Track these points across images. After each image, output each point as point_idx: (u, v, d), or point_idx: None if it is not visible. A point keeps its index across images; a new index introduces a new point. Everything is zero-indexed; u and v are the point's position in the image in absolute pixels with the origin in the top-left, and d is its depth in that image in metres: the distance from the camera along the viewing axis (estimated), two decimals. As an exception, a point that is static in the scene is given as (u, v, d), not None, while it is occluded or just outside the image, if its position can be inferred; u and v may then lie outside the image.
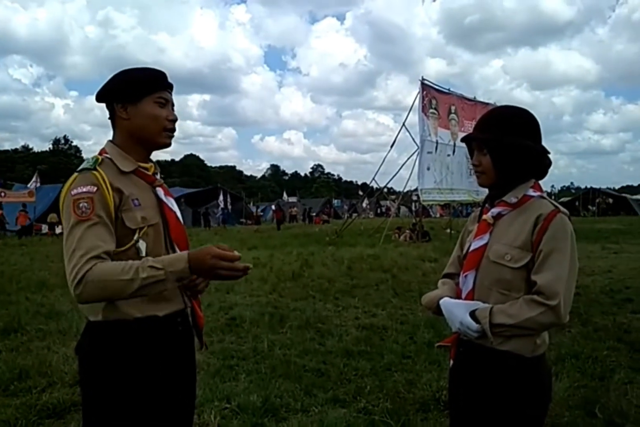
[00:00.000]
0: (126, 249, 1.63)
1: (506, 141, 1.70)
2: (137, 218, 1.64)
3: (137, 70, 1.77)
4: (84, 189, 1.57)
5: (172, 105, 1.80)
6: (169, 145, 1.80)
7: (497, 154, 1.73)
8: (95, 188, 1.58)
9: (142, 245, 1.65)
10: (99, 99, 1.78)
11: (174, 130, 1.79)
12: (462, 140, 1.85)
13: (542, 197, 1.74)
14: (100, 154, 1.73)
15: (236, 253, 1.56)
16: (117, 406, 1.61)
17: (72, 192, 1.58)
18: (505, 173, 1.74)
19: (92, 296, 1.50)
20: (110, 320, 1.63)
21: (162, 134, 1.75)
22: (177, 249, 1.76)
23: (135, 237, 1.64)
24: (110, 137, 1.80)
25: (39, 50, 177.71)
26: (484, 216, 1.79)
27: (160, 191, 1.78)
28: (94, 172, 1.61)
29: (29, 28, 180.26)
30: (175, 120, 1.79)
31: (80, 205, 1.55)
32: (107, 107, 1.77)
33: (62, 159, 66.84)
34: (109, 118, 1.78)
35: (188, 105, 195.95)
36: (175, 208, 1.82)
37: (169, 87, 1.80)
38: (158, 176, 1.83)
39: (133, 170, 1.73)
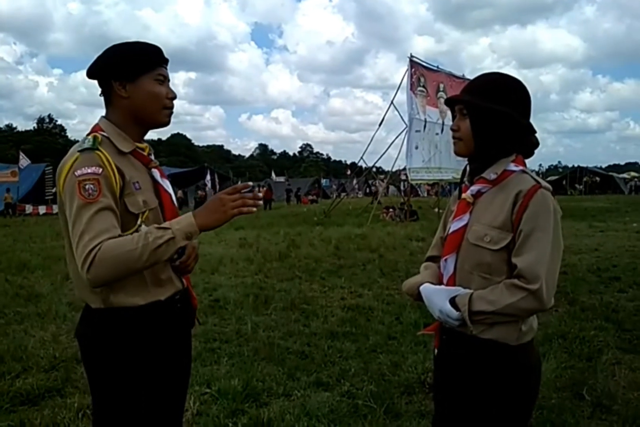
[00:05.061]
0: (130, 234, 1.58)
1: (486, 105, 1.58)
2: (139, 202, 1.60)
3: (133, 45, 1.68)
4: (89, 170, 1.50)
5: (169, 81, 1.74)
6: (167, 123, 1.74)
7: (476, 118, 1.60)
8: (101, 169, 1.52)
9: (144, 229, 1.58)
10: (93, 75, 1.68)
11: (173, 108, 1.73)
12: (446, 102, 1.73)
13: (524, 171, 1.61)
14: (94, 131, 1.64)
15: (249, 183, 1.61)
16: (125, 385, 1.63)
17: (77, 173, 1.50)
18: (483, 142, 1.61)
19: (105, 276, 1.45)
20: (113, 307, 1.61)
21: (162, 113, 1.70)
22: None
23: (139, 221, 1.60)
24: (96, 115, 1.72)
25: (22, 27, 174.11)
26: (463, 195, 1.67)
27: (156, 173, 1.73)
28: (98, 152, 1.54)
29: (11, 4, 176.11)
30: (175, 97, 1.72)
31: (87, 187, 1.49)
32: (100, 83, 1.68)
33: (46, 138, 65.86)
34: (101, 95, 1.69)
35: (174, 84, 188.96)
36: (170, 190, 1.78)
37: (166, 62, 1.73)
38: (152, 157, 1.77)
39: (131, 151, 1.66)
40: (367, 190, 46.12)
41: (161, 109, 1.68)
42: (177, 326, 1.77)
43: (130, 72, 1.63)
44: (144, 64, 1.65)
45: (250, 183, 1.63)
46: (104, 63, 1.66)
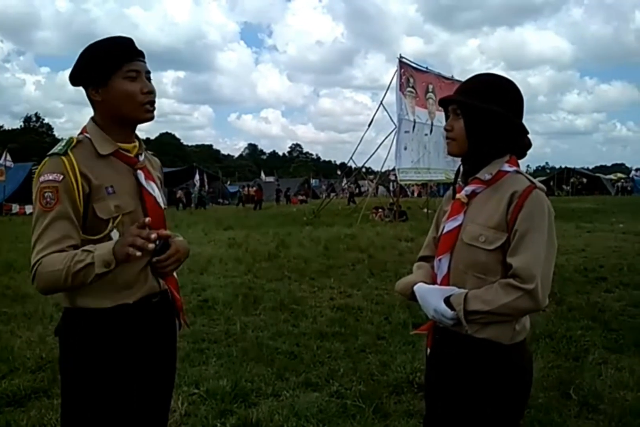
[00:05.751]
0: (100, 238, 1.58)
1: (481, 105, 1.58)
2: (110, 207, 1.58)
3: (97, 47, 1.64)
4: (50, 177, 1.52)
5: (148, 73, 1.67)
6: (150, 119, 1.69)
7: (470, 118, 1.61)
8: (62, 177, 1.52)
9: (114, 235, 1.59)
10: (73, 84, 1.69)
11: (152, 102, 1.67)
12: (440, 102, 1.73)
13: (518, 172, 1.62)
14: (82, 132, 1.65)
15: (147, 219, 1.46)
16: (94, 387, 1.60)
17: (40, 179, 1.54)
18: (476, 141, 1.61)
19: (45, 289, 1.52)
20: (81, 307, 1.62)
21: (140, 110, 1.64)
22: None
23: (109, 226, 1.60)
24: (84, 114, 1.74)
25: (9, 25, 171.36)
26: (458, 195, 1.67)
27: (140, 175, 1.69)
28: (63, 157, 1.54)
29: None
30: (151, 91, 1.66)
31: (45, 195, 1.52)
32: (84, 88, 1.67)
33: (33, 137, 65.09)
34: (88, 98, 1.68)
35: (163, 82, 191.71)
36: (156, 193, 1.73)
37: (138, 55, 1.66)
38: (142, 157, 1.73)
39: (112, 153, 1.64)
40: (357, 190, 46.14)
41: (137, 106, 1.63)
42: (154, 329, 1.72)
43: (97, 77, 1.61)
44: (109, 65, 1.59)
45: (148, 219, 1.46)
46: (75, 71, 1.65)
